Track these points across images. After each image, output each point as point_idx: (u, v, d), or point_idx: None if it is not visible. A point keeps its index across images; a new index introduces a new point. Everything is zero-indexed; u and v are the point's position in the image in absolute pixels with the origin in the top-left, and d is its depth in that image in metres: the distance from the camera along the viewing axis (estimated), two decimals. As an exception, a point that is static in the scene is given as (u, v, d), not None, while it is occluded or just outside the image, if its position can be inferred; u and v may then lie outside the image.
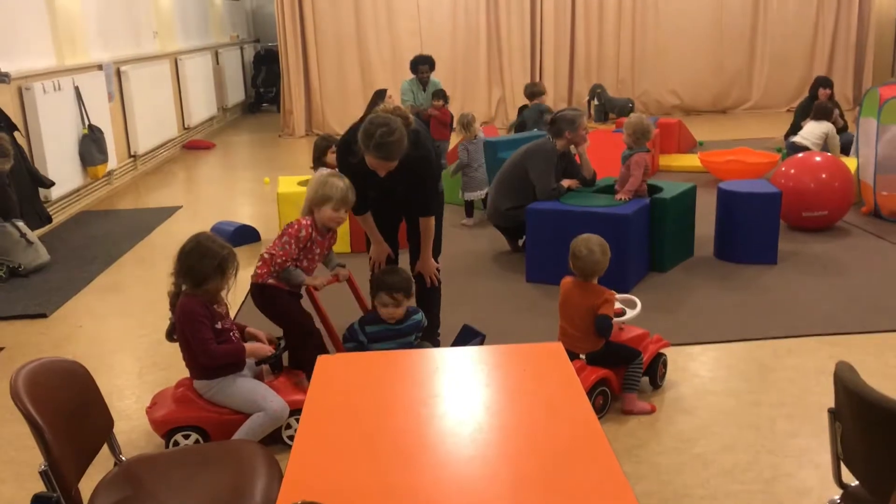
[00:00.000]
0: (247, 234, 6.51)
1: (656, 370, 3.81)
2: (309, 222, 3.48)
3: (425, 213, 3.83)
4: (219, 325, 3.09)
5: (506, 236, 5.98)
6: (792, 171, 6.41)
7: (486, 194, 6.77)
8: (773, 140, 10.02)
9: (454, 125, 7.83)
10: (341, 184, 3.50)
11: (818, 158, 6.46)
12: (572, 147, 5.58)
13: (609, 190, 5.65)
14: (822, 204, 6.19)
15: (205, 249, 3.04)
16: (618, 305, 3.69)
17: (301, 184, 6.36)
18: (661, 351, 3.85)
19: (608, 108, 12.03)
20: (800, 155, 6.78)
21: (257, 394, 3.12)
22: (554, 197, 5.38)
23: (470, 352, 2.34)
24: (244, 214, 7.50)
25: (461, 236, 6.55)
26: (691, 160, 9.00)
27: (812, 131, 8.00)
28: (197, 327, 3.02)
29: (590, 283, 3.56)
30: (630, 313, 3.80)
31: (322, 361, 2.25)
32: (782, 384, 3.83)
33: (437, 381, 2.15)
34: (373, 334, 3.45)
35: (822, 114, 8.06)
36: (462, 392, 2.06)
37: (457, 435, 1.81)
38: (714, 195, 5.90)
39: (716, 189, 5.92)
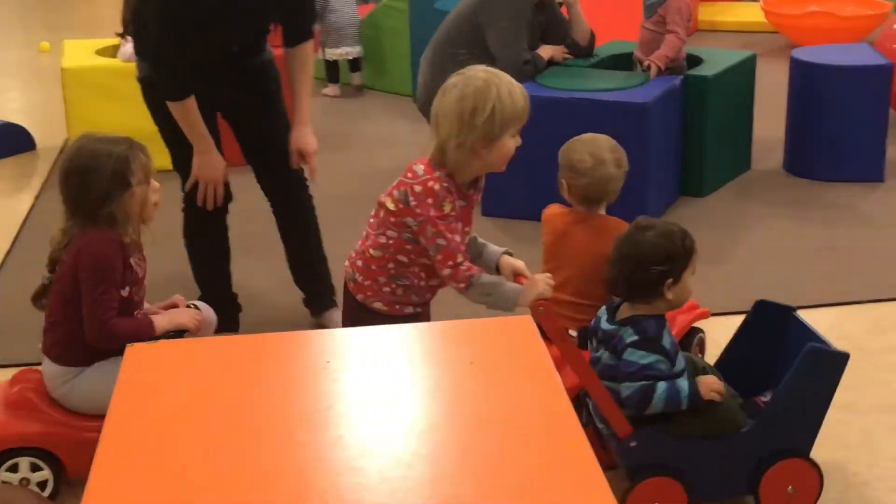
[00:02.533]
0: (11, 139, 6.39)
1: (689, 353, 3.89)
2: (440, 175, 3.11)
3: (304, 32, 4.11)
4: (125, 292, 3.18)
5: (448, 140, 6.03)
6: (911, 28, 6.55)
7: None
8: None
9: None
10: None
11: (952, 8, 6.59)
12: (556, -8, 5.61)
13: (618, 62, 5.67)
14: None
15: (84, 161, 3.15)
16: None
17: (101, 52, 6.28)
18: (696, 325, 3.91)
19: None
20: (923, 3, 6.91)
21: None
22: (528, 75, 5.41)
23: (383, 333, 2.41)
24: (7, 106, 7.37)
25: (361, 138, 6.56)
26: (750, 11, 9.10)
27: None
28: (105, 282, 3.11)
29: (597, 214, 3.60)
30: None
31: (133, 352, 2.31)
32: (887, 376, 3.93)
33: (331, 381, 2.21)
34: None
35: None
36: (366, 400, 2.13)
37: (360, 472, 1.87)
38: (785, 70, 6.00)
39: (788, 60, 6.02)
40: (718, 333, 4.15)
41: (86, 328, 3.15)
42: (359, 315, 3.15)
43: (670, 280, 3.11)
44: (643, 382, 3.02)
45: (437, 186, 3.04)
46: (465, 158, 3.07)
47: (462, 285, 3.10)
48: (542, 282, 3.15)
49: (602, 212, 3.62)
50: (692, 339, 3.90)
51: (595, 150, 3.58)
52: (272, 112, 4.20)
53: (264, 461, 1.91)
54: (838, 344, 3.32)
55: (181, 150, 4.03)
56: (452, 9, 5.85)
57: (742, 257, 4.96)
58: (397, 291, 3.17)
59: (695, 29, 8.77)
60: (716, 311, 4.35)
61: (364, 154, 6.39)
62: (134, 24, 4.15)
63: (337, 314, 4.15)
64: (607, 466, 3.41)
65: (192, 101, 3.93)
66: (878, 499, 3.29)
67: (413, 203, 3.05)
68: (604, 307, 3.23)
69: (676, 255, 3.13)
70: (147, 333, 3.18)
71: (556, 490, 1.80)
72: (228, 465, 1.91)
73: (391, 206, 3.09)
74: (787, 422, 3.15)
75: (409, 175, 3.08)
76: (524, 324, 2.33)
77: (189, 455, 1.94)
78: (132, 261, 3.23)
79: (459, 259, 3.10)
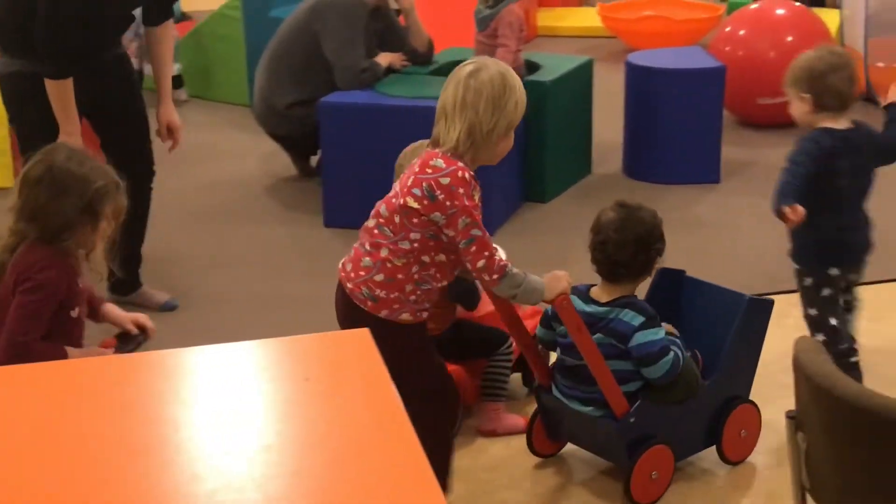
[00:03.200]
0: None
1: (533, 362, 3.92)
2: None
3: (166, 11, 4.52)
4: (75, 313, 3.08)
5: (287, 151, 5.98)
6: (741, 32, 6.71)
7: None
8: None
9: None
10: None
11: (781, 11, 6.78)
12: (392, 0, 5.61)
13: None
14: (786, 85, 6.52)
15: (64, 178, 3.03)
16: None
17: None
18: (541, 331, 3.96)
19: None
20: (752, 6, 7.09)
21: None
22: (366, 83, 5.40)
23: (212, 352, 2.34)
24: None
25: (200, 149, 6.44)
26: (588, 17, 9.23)
27: None
28: (41, 303, 3.00)
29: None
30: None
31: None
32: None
33: (159, 404, 2.13)
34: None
35: None
36: (197, 422, 2.07)
37: (189, 498, 1.80)
38: (622, 74, 6.08)
39: (624, 64, 6.10)
40: (562, 338, 4.17)
41: (1, 342, 3.02)
42: (386, 334, 2.70)
43: (660, 257, 3.34)
44: (669, 356, 3.24)
45: (466, 175, 2.95)
46: (488, 146, 3.02)
47: (496, 276, 3.04)
48: (564, 278, 3.20)
49: None
50: (536, 344, 3.91)
51: (418, 155, 3.56)
52: (133, 109, 4.49)
53: (87, 489, 1.83)
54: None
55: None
56: (287, 17, 5.78)
57: (584, 261, 4.99)
58: (420, 297, 3.06)
59: (534, 35, 8.85)
60: (560, 315, 4.39)
61: (204, 166, 6.26)
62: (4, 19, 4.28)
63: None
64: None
65: (70, 82, 4.15)
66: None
67: (441, 196, 2.93)
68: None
69: (662, 233, 3.39)
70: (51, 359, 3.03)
71: (393, 505, 1.76)
72: (48, 494, 1.82)
73: (414, 205, 2.96)
74: (737, 371, 3.49)
75: (430, 170, 2.96)
76: (359, 337, 2.29)
77: (7, 483, 1.87)
78: (78, 280, 3.10)
79: (493, 249, 3.05)
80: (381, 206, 3.06)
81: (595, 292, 3.37)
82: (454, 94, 3.01)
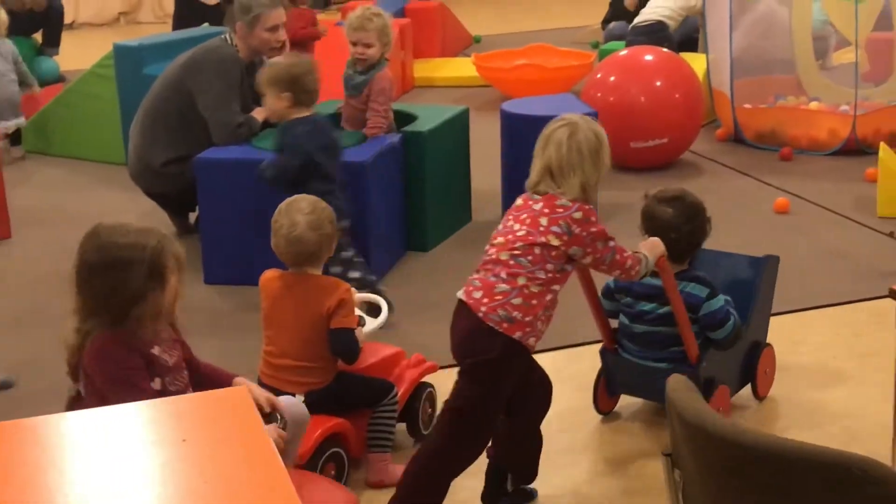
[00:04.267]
0: None
1: (419, 411, 3.91)
2: None
3: None
4: (156, 384, 2.92)
5: (165, 209, 5.93)
6: (612, 78, 6.85)
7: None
8: (585, 30, 10.66)
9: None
10: None
11: (649, 56, 6.94)
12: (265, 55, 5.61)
13: (336, 121, 5.70)
14: (658, 128, 6.68)
15: (117, 255, 2.87)
16: (356, 312, 3.75)
17: None
18: (425, 380, 3.96)
19: (329, -14, 12.17)
20: (622, 52, 7.26)
21: None
22: (242, 137, 5.40)
23: (85, 417, 2.30)
24: None
25: (74, 210, 6.36)
26: (463, 67, 9.33)
27: (665, 2, 8.59)
28: (127, 386, 2.84)
29: (309, 273, 3.60)
30: (372, 323, 3.87)
31: None
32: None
33: (34, 473, 2.10)
34: None
35: None
36: (72, 490, 2.02)
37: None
38: (498, 122, 6.15)
39: (499, 112, 6.17)
40: (449, 384, 4.19)
41: None
42: (514, 353, 3.30)
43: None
44: (731, 320, 3.84)
45: (589, 206, 3.39)
46: (594, 192, 3.44)
47: (637, 268, 3.50)
48: (659, 243, 3.65)
49: (317, 272, 3.61)
50: (421, 393, 3.92)
51: (290, 213, 3.59)
52: None
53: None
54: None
55: None
56: (160, 74, 5.75)
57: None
58: (544, 324, 3.37)
59: (411, 86, 8.93)
60: (446, 363, 4.40)
61: (78, 228, 6.13)
62: None
63: None
64: None
65: None
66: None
67: (577, 230, 3.32)
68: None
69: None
70: None
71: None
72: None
73: (556, 243, 3.31)
74: (761, 319, 4.14)
75: (560, 209, 3.33)
76: (236, 395, 2.28)
77: None
78: (154, 352, 2.95)
79: (626, 250, 3.49)
80: (510, 239, 3.36)
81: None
82: (558, 155, 3.38)
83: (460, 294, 3.40)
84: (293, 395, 3.45)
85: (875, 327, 3.03)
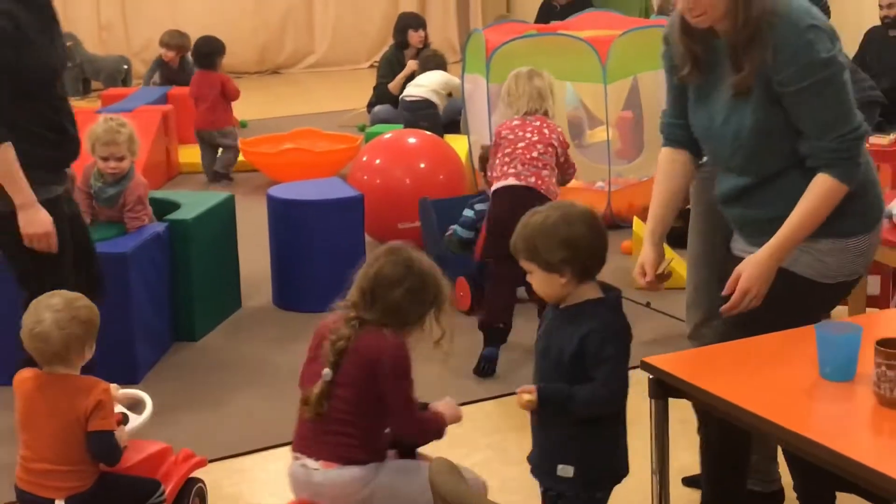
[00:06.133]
0: None
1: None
2: None
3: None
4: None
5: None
6: (378, 160, 6.90)
7: None
8: (351, 113, 10.74)
9: None
10: None
11: (413, 139, 7.04)
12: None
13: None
14: (423, 208, 6.74)
15: (427, 268, 3.28)
16: (117, 409, 3.63)
17: None
18: (195, 475, 3.85)
19: (89, 72, 11.94)
20: (386, 136, 7.33)
21: None
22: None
23: None
24: None
25: None
26: (230, 152, 9.25)
27: (432, 79, 8.93)
28: (406, 382, 3.23)
29: (66, 374, 3.44)
30: (136, 419, 3.75)
31: None
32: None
33: None
34: None
35: (437, 63, 9.18)
36: None
37: None
38: (265, 207, 6.12)
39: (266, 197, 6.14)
40: (221, 477, 4.10)
41: (397, 424, 3.27)
42: None
43: None
44: None
45: None
46: None
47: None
48: None
49: (71, 371, 3.46)
50: (190, 489, 3.81)
51: (39, 308, 3.43)
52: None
53: None
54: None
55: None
56: None
57: (240, 396, 4.95)
58: None
59: (176, 172, 8.80)
60: (217, 455, 4.31)
61: None
62: None
63: None
64: None
65: (12, 150, 3.94)
66: None
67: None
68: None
69: None
70: (440, 428, 3.33)
71: None
72: None
73: (556, 144, 5.29)
74: None
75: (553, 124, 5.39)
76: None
77: None
78: None
79: None
80: (533, 141, 5.27)
81: None
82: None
83: (517, 181, 5.10)
84: (52, 500, 3.30)
85: (631, 397, 3.11)
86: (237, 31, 13.17)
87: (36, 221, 4.03)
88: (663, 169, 3.51)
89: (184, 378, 5.14)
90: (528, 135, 5.20)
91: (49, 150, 4.13)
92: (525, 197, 4.92)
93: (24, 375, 3.50)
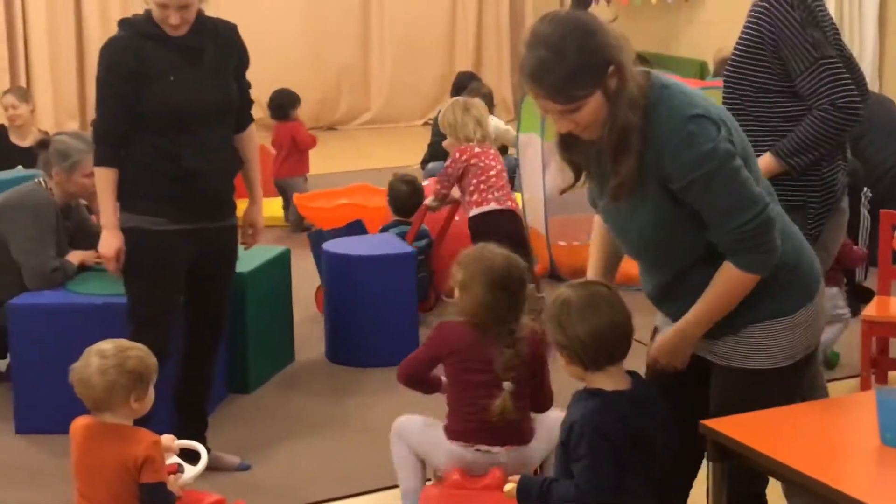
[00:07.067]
0: None
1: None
2: None
3: (250, 115, 4.73)
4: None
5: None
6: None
7: None
8: (407, 169, 10.75)
9: None
10: None
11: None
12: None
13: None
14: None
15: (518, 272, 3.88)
16: (172, 460, 3.63)
17: None
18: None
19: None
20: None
21: None
22: (57, 282, 5.25)
23: None
24: None
25: None
26: (278, 208, 9.33)
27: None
28: None
29: (115, 423, 3.43)
30: (191, 470, 3.74)
31: None
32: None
33: None
34: None
35: (481, 94, 8.87)
36: None
37: None
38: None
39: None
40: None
41: (545, 402, 3.89)
42: None
43: None
44: None
45: None
46: None
47: None
48: None
49: (122, 420, 3.44)
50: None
51: (90, 353, 3.43)
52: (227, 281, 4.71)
53: None
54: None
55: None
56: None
57: (289, 452, 4.94)
58: None
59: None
60: (268, 507, 4.31)
61: None
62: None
63: None
64: None
65: (112, 173, 4.29)
66: None
67: None
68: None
69: None
70: None
71: None
72: None
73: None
74: None
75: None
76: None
77: None
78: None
79: None
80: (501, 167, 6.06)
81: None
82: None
83: (499, 205, 6.07)
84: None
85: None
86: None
87: (105, 243, 4.36)
88: (599, 233, 3.43)
89: (238, 430, 5.13)
90: (492, 162, 6.13)
91: (160, 185, 4.32)
92: (507, 219, 6.07)
93: (79, 423, 3.49)
